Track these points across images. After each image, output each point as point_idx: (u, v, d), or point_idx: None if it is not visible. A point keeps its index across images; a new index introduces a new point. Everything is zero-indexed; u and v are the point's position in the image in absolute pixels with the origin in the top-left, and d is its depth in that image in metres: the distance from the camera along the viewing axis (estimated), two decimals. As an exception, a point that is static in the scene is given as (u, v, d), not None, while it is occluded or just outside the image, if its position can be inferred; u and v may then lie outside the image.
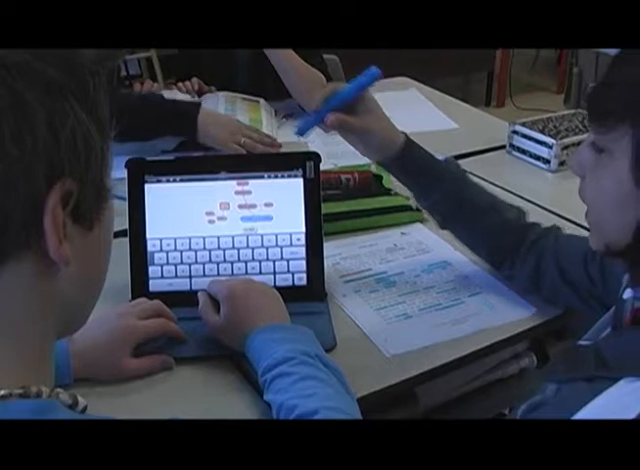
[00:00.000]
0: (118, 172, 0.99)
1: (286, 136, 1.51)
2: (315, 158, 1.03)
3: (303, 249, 1.02)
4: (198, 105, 1.44)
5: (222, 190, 1.02)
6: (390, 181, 1.24)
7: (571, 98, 3.14)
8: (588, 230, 0.70)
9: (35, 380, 0.44)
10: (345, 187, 1.27)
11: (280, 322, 0.86)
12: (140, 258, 1.00)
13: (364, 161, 1.12)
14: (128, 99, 1.41)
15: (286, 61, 1.54)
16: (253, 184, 1.02)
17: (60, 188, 0.42)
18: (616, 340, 0.65)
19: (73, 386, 0.82)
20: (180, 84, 1.64)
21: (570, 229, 1.10)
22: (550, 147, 1.43)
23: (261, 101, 1.65)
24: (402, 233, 1.22)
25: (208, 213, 1.01)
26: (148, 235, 1.00)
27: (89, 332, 0.83)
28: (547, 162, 1.44)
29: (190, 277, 1.01)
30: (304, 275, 1.02)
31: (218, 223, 1.02)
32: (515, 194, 1.34)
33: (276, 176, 1.03)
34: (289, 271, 1.02)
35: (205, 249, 1.01)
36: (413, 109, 1.79)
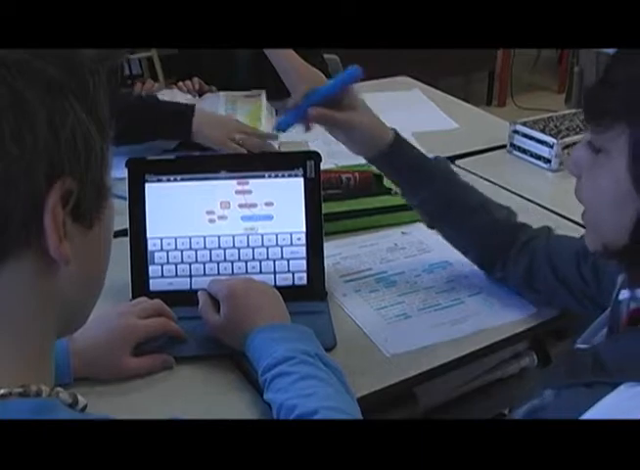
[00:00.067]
0: (119, 172, 1.00)
1: (286, 135, 1.50)
2: (316, 157, 1.03)
3: (304, 248, 1.02)
4: (192, 107, 1.44)
5: (223, 189, 1.02)
6: (391, 181, 1.24)
7: (573, 97, 3.14)
8: None
9: (35, 379, 0.44)
10: (346, 186, 1.27)
11: (280, 321, 0.86)
12: (140, 257, 1.00)
13: (364, 160, 1.12)
14: (123, 101, 1.41)
15: (286, 60, 1.54)
16: (254, 183, 1.02)
17: (60, 187, 0.42)
18: (614, 344, 0.64)
19: (74, 385, 0.82)
20: (181, 84, 1.64)
21: (570, 228, 1.10)
22: (551, 146, 1.43)
23: (262, 95, 1.65)
24: (403, 233, 1.22)
25: (209, 213, 1.01)
26: (148, 234, 1.00)
27: (89, 331, 0.83)
28: (548, 161, 1.44)
29: (190, 276, 1.01)
30: (305, 275, 1.02)
31: (219, 223, 1.02)
32: (515, 193, 1.34)
33: (276, 176, 1.03)
34: (289, 271, 1.02)
35: (205, 248, 1.01)
36: (414, 109, 1.79)
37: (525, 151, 1.49)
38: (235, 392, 0.87)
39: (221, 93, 1.64)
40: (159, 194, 1.01)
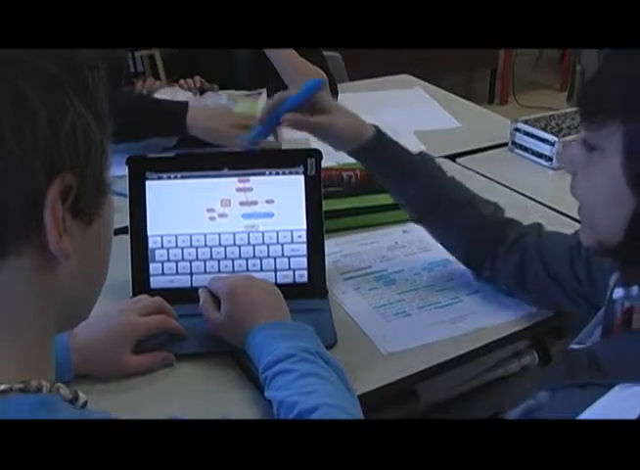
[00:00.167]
0: (119, 169, 1.00)
1: (287, 133, 1.50)
2: (316, 154, 1.03)
3: (304, 246, 1.02)
4: (185, 103, 1.43)
5: (223, 187, 1.02)
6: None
7: (575, 96, 3.13)
8: None
9: (36, 374, 0.44)
10: (347, 184, 1.27)
11: (281, 319, 0.87)
12: (141, 254, 1.00)
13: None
14: (121, 99, 1.41)
15: (286, 59, 1.54)
16: (255, 181, 1.02)
17: (59, 183, 0.42)
18: (608, 345, 0.64)
19: (74, 383, 0.82)
20: (182, 82, 1.64)
21: (571, 226, 1.10)
22: (552, 144, 1.43)
23: (263, 93, 1.65)
24: (404, 231, 1.22)
25: (209, 210, 1.01)
26: (149, 232, 1.00)
27: (90, 328, 0.83)
28: (549, 159, 1.44)
29: (191, 274, 1.01)
30: (305, 272, 1.02)
31: (219, 220, 1.02)
32: (517, 191, 1.34)
33: (277, 173, 1.03)
34: (290, 268, 1.02)
35: (206, 246, 1.01)
36: (416, 107, 1.79)
37: (526, 149, 1.49)
38: (235, 389, 0.87)
39: (222, 92, 1.64)
40: (159, 191, 1.01)
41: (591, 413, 0.55)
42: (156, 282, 1.00)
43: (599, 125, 0.58)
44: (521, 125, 1.50)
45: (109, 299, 0.91)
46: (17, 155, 0.40)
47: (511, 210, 1.05)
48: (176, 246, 1.01)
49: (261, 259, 1.01)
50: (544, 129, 1.46)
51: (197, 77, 1.66)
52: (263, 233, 1.02)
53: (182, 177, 1.01)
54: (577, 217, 0.66)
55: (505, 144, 1.54)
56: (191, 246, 1.01)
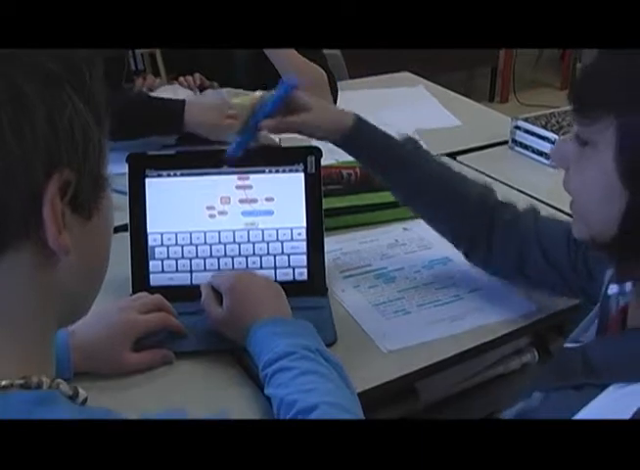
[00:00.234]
0: (119, 167, 1.00)
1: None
2: (316, 152, 1.03)
3: (304, 244, 1.02)
4: (182, 102, 1.43)
5: (223, 184, 1.02)
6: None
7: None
8: None
9: (36, 370, 0.44)
10: (347, 182, 1.26)
11: (282, 316, 0.86)
12: (141, 252, 1.00)
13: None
14: (119, 98, 1.41)
15: (286, 58, 1.53)
16: (254, 179, 1.02)
17: (58, 178, 0.42)
18: (602, 344, 0.64)
19: (74, 380, 0.82)
20: (182, 79, 1.64)
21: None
22: (552, 142, 1.43)
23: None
24: (404, 229, 1.22)
25: (209, 208, 1.01)
26: (149, 229, 1.00)
27: (89, 326, 0.83)
28: (549, 157, 1.44)
29: (191, 272, 1.01)
30: (305, 270, 1.02)
31: (219, 218, 1.02)
32: (517, 189, 1.34)
33: (277, 171, 1.03)
34: (289, 266, 1.02)
35: (205, 243, 1.01)
36: (418, 106, 1.78)
37: (526, 147, 1.49)
38: (235, 387, 0.87)
39: (223, 90, 1.64)
40: (159, 189, 1.01)
41: (585, 414, 0.55)
42: (155, 280, 1.00)
43: (592, 120, 0.58)
44: (521, 123, 1.50)
45: (109, 296, 0.91)
46: (15, 152, 0.40)
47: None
48: (176, 243, 1.01)
49: (261, 257, 1.01)
50: (544, 127, 1.46)
51: (197, 75, 1.66)
52: (263, 231, 1.02)
53: (182, 175, 1.01)
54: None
55: (505, 142, 1.54)
56: (191, 243, 1.01)
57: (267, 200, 1.02)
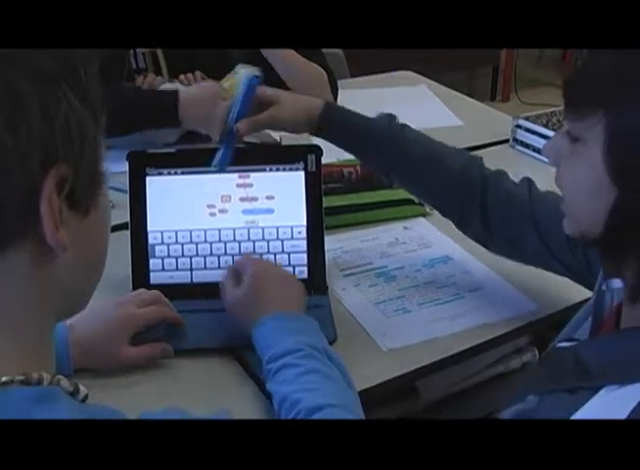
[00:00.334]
0: (120, 165, 1.00)
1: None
2: (317, 151, 1.03)
3: (304, 242, 1.02)
4: (175, 93, 1.43)
5: (223, 183, 1.02)
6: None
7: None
8: None
9: (36, 366, 0.44)
10: (347, 180, 1.27)
11: (295, 312, 0.86)
12: (141, 250, 1.00)
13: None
14: (111, 95, 1.40)
15: (283, 58, 1.53)
16: (255, 177, 1.02)
17: (54, 175, 0.42)
18: (595, 344, 0.64)
19: (75, 378, 0.82)
20: (182, 77, 1.64)
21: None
22: (554, 141, 1.42)
23: None
24: (405, 227, 1.22)
25: (210, 206, 1.01)
26: (149, 228, 1.00)
27: (88, 321, 0.83)
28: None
29: (191, 270, 1.01)
30: (305, 268, 1.02)
31: (219, 216, 1.02)
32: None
33: (277, 169, 1.03)
34: (290, 264, 1.02)
35: (206, 241, 1.01)
36: (418, 105, 1.78)
37: (527, 145, 1.49)
38: (235, 387, 0.87)
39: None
40: (159, 187, 1.01)
41: (578, 418, 0.55)
42: (156, 278, 1.00)
43: (582, 117, 0.58)
44: (522, 122, 1.50)
45: (109, 295, 0.91)
46: (12, 148, 0.40)
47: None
48: (176, 242, 1.01)
49: (261, 256, 1.01)
50: (545, 126, 1.46)
51: (197, 73, 1.66)
52: (263, 229, 1.02)
53: (182, 173, 1.01)
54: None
55: (506, 141, 1.54)
56: (191, 242, 1.01)
57: (268, 198, 1.02)
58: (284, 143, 1.38)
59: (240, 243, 1.01)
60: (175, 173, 1.01)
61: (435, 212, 1.08)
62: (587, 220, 0.61)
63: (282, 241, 1.02)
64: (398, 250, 1.15)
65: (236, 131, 0.94)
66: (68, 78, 0.43)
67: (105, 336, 0.86)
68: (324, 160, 1.04)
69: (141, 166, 1.00)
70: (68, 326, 0.83)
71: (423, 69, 2.05)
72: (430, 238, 1.18)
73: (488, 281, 1.06)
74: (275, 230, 1.02)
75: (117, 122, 0.47)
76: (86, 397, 0.48)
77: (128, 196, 1.00)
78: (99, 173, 0.47)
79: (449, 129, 1.63)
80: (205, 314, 0.96)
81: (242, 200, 1.02)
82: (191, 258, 1.01)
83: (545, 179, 1.40)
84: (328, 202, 1.07)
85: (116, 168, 1.12)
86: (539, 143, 1.46)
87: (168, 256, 1.00)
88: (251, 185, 1.02)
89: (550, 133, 1.43)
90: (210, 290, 0.99)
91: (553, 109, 1.56)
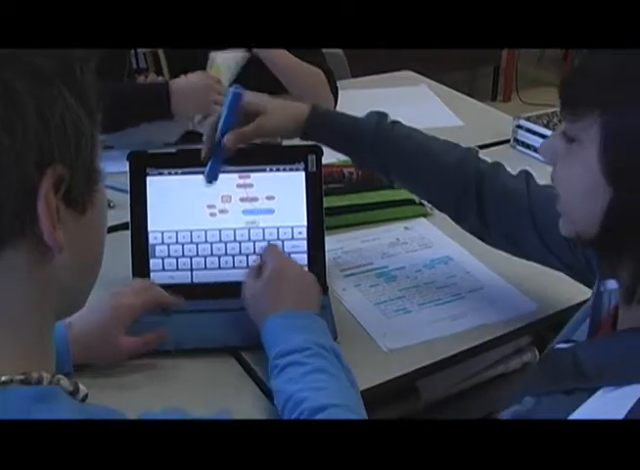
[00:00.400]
0: (120, 165, 1.00)
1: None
2: (317, 151, 1.03)
3: (305, 242, 1.02)
4: (166, 84, 1.43)
5: (224, 183, 1.01)
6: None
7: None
8: None
9: (36, 366, 0.44)
10: (348, 180, 1.26)
11: (306, 310, 0.86)
12: (141, 250, 1.00)
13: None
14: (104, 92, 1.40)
15: (281, 62, 1.53)
16: (255, 177, 1.02)
17: (51, 174, 0.42)
18: (593, 345, 0.64)
19: (74, 377, 0.82)
20: (183, 76, 1.64)
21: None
22: (554, 141, 1.42)
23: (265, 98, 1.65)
24: (405, 228, 1.22)
25: (210, 206, 1.01)
26: (149, 228, 1.00)
27: (85, 317, 0.83)
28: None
29: (191, 270, 1.01)
30: (306, 269, 1.02)
31: (220, 216, 1.02)
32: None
33: (278, 169, 1.03)
34: (290, 265, 1.01)
35: (206, 242, 1.01)
36: (420, 105, 1.78)
37: (528, 146, 1.49)
38: (235, 387, 0.87)
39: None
40: (160, 187, 1.01)
41: (575, 418, 0.55)
42: (156, 278, 1.00)
43: (578, 117, 0.58)
44: (523, 122, 1.49)
45: (109, 294, 0.91)
46: (8, 148, 0.40)
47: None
48: (177, 242, 1.01)
49: (261, 256, 1.01)
50: (546, 126, 1.45)
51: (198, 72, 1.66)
52: (264, 229, 1.02)
53: (183, 173, 1.01)
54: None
55: (507, 141, 1.54)
56: (191, 242, 1.01)
57: (268, 198, 1.02)
58: (284, 143, 1.39)
59: (240, 243, 1.01)
60: (176, 173, 1.01)
61: (437, 213, 1.08)
62: (583, 221, 0.60)
63: (282, 241, 1.02)
64: (399, 250, 1.15)
65: (224, 145, 0.93)
66: (63, 77, 0.43)
67: (102, 329, 0.86)
68: (324, 160, 1.04)
69: (142, 166, 1.01)
70: (67, 323, 0.83)
71: (423, 69, 2.05)
72: (431, 238, 1.18)
73: (489, 281, 1.06)
74: (275, 230, 1.02)
75: (109, 118, 0.47)
76: (86, 396, 0.48)
77: (129, 196, 1.00)
78: (95, 171, 0.47)
79: (450, 129, 1.62)
80: (206, 314, 0.96)
81: (242, 200, 1.02)
82: (191, 258, 1.01)
83: (545, 179, 1.40)
84: (328, 202, 1.07)
85: (117, 168, 1.12)
86: (540, 143, 1.45)
87: (169, 256, 1.00)
88: (251, 185, 1.02)
89: (551, 133, 1.43)
90: (211, 290, 0.99)
91: (554, 109, 1.55)
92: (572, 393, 0.57)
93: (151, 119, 1.43)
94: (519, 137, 1.50)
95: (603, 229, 0.58)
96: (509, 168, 0.98)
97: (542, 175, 1.41)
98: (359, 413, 0.74)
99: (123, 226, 1.02)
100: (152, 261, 1.00)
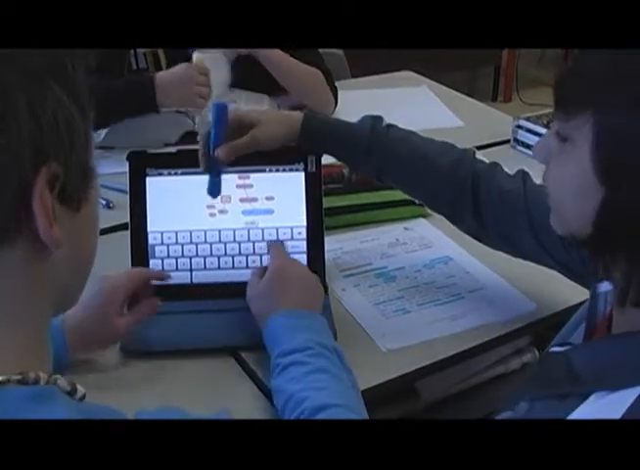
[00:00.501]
0: (120, 165, 1.00)
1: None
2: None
3: (304, 243, 1.02)
4: (151, 77, 1.43)
5: (223, 183, 1.01)
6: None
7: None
8: None
9: (33, 365, 0.44)
10: (347, 181, 1.26)
11: (308, 310, 0.86)
12: (141, 251, 1.00)
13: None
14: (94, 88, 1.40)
15: (279, 63, 1.53)
16: (255, 178, 1.02)
17: (46, 172, 0.42)
18: (587, 349, 0.63)
19: (72, 377, 0.82)
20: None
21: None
22: (554, 142, 1.42)
23: (265, 98, 1.64)
24: (405, 228, 1.22)
25: (210, 207, 1.01)
26: (149, 228, 1.00)
27: (78, 307, 0.82)
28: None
29: (191, 270, 1.01)
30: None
31: (219, 217, 1.02)
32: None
33: (277, 170, 1.03)
34: (290, 265, 1.01)
35: (206, 242, 1.01)
36: (420, 105, 1.78)
37: (528, 146, 1.48)
38: (235, 387, 0.87)
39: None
40: (159, 188, 1.01)
41: None
42: (156, 278, 1.00)
43: (570, 116, 0.58)
44: (523, 122, 1.49)
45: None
46: (2, 147, 0.40)
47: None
48: (176, 242, 1.01)
49: (261, 256, 1.01)
50: (546, 126, 1.45)
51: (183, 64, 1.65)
52: (263, 230, 1.02)
53: (182, 173, 1.01)
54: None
55: (507, 141, 1.54)
56: (191, 242, 1.01)
57: (267, 199, 1.02)
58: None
59: (240, 243, 1.01)
60: (175, 174, 1.01)
61: (436, 213, 1.08)
62: (575, 220, 0.60)
63: (282, 242, 1.02)
64: (399, 250, 1.15)
65: (217, 159, 0.93)
66: (54, 74, 0.43)
67: (98, 312, 0.86)
68: (324, 160, 1.03)
69: (141, 167, 1.01)
70: (62, 316, 0.83)
71: (423, 69, 2.05)
72: (430, 238, 1.18)
73: (488, 282, 1.06)
74: (275, 231, 1.02)
75: (96, 113, 0.47)
76: (84, 396, 0.48)
77: (128, 196, 1.00)
78: (90, 168, 0.47)
79: (450, 130, 1.63)
80: (205, 315, 0.96)
81: (242, 200, 1.02)
82: (191, 258, 1.01)
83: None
84: (328, 202, 1.07)
85: (117, 169, 1.13)
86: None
87: (168, 256, 1.00)
88: (250, 186, 1.02)
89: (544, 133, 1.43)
90: (210, 290, 0.99)
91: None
92: (566, 397, 0.57)
93: (136, 114, 1.43)
94: (519, 137, 1.50)
95: (595, 229, 0.58)
96: (509, 169, 0.98)
97: (541, 175, 1.42)
98: (360, 413, 0.74)
99: (123, 226, 1.02)
100: (151, 262, 1.00)
